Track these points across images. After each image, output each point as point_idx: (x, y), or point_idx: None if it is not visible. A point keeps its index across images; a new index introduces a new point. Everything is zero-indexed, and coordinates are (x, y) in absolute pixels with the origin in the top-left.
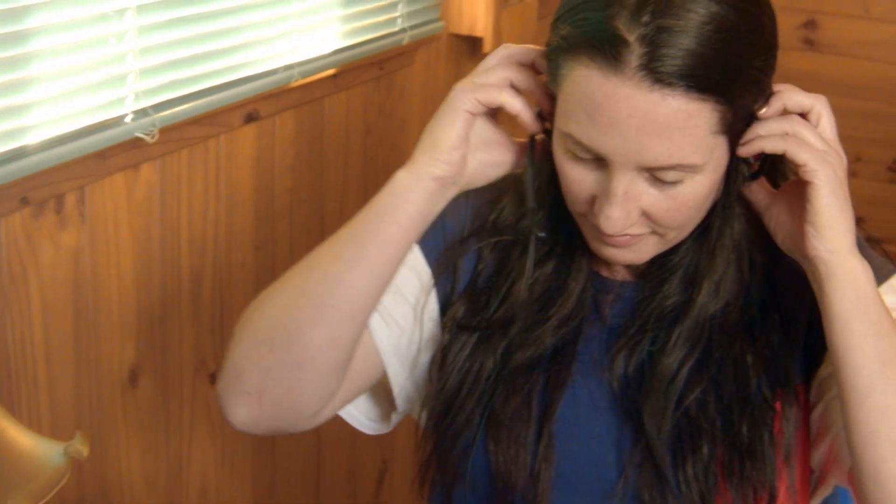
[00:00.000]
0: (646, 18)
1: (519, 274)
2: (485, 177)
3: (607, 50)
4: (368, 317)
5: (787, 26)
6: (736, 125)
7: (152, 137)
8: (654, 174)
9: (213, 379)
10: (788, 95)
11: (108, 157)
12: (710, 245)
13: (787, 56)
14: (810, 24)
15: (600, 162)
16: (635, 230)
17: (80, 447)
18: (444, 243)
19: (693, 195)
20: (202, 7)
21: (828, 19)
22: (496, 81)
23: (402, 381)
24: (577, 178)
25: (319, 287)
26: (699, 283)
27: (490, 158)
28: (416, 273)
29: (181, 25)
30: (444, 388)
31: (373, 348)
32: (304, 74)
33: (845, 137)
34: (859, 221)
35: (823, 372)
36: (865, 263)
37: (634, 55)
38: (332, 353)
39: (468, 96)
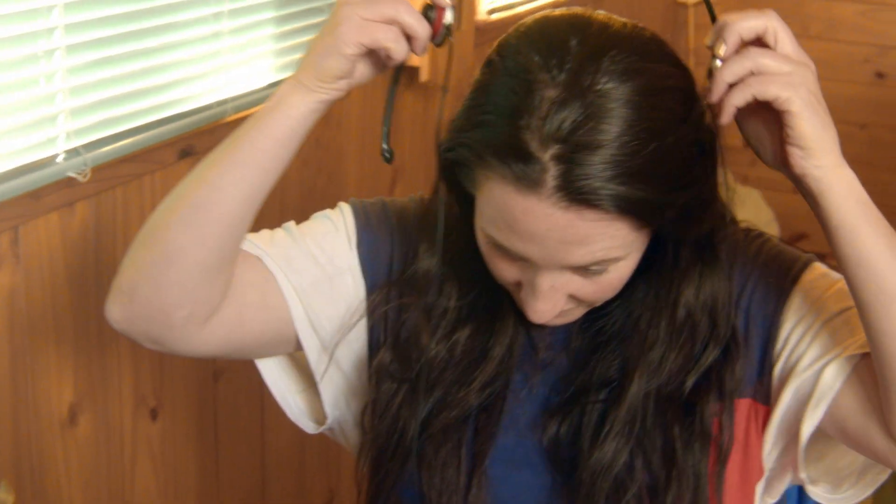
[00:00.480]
0: (560, 134)
1: (441, 337)
2: (373, 74)
3: (520, 169)
4: (241, 227)
5: None
6: (659, 211)
7: (84, 177)
8: (579, 268)
9: (153, 415)
10: (739, 26)
11: (42, 196)
12: (640, 337)
13: None
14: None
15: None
16: (563, 307)
17: (4, 496)
18: (387, 263)
19: (619, 277)
20: (132, 45)
21: None
22: (383, 19)
23: (316, 354)
24: (502, 267)
25: (192, 190)
26: (630, 375)
27: (378, 60)
28: (353, 279)
29: (111, 64)
30: (375, 439)
31: (276, 294)
32: (238, 109)
33: None
34: (801, 237)
35: (787, 363)
36: (852, 172)
37: (550, 176)
38: (198, 253)
39: (353, 38)
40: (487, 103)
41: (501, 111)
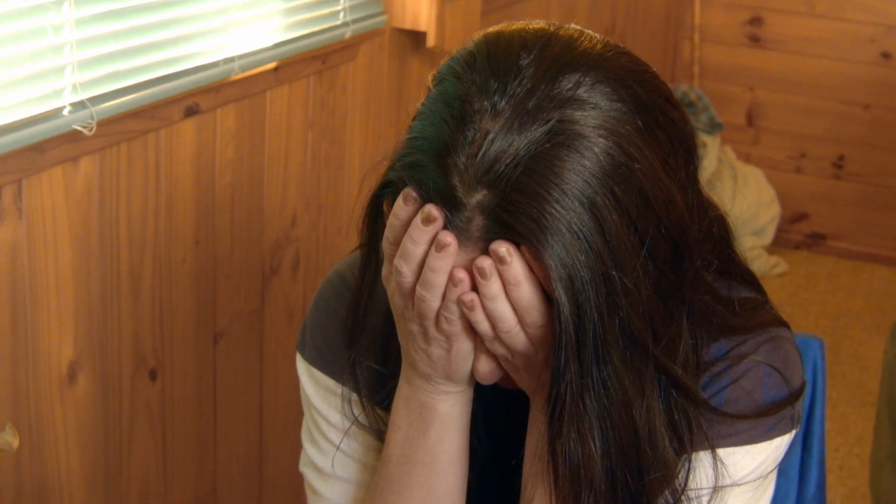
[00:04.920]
0: (490, 176)
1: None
2: None
3: (448, 217)
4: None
5: (732, 23)
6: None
7: (90, 130)
8: None
9: (152, 375)
10: None
11: (46, 150)
12: None
13: (733, 52)
14: (756, 21)
15: None
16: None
17: (10, 438)
18: (335, 353)
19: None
20: None
21: (773, 16)
22: None
23: None
24: None
25: None
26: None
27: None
28: (336, 400)
29: (119, 17)
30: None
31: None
32: (245, 68)
33: (790, 133)
34: (803, 217)
35: None
36: None
37: (475, 226)
38: None
39: None
40: (420, 137)
41: (432, 147)
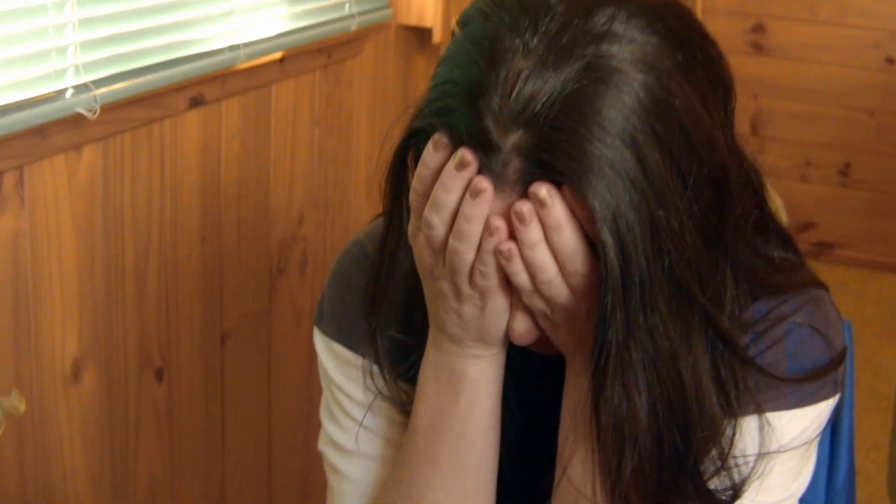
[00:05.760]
0: (526, 116)
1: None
2: None
3: (483, 160)
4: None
5: (735, 31)
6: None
7: (94, 114)
8: None
9: (158, 375)
10: None
11: (49, 135)
12: None
13: (736, 61)
14: (758, 29)
15: None
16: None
17: (17, 403)
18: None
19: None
20: None
21: (775, 23)
22: None
23: None
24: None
25: None
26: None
27: None
28: (357, 374)
29: None
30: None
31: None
32: (250, 56)
33: (795, 142)
34: (809, 226)
35: None
36: None
37: (511, 169)
38: None
39: None
40: (448, 81)
41: (462, 90)
